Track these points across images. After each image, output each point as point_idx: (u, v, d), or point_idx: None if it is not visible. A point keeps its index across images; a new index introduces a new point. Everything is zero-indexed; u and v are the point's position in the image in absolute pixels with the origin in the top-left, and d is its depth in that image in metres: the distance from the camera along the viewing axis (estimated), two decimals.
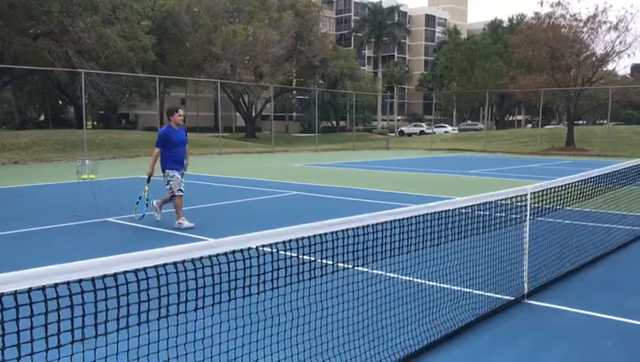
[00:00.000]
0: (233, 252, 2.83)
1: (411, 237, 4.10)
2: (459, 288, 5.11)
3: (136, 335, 2.60)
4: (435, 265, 4.75)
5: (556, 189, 6.03)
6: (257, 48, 42.71)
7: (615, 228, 8.39)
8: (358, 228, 3.58)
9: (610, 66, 35.49)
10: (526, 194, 5.35)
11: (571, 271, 6.20)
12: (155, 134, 33.17)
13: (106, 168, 16.64)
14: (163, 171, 8.74)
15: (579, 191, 6.72)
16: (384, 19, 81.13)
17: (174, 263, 2.58)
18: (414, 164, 23.21)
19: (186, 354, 2.89)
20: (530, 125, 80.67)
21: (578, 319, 4.88)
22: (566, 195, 6.30)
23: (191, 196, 12.50)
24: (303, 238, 3.20)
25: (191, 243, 2.63)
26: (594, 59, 33.59)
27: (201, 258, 2.70)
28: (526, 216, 5.35)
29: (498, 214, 5.04)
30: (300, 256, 3.23)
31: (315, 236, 3.28)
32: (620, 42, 32.07)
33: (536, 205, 5.58)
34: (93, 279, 2.29)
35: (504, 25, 70.68)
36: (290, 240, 3.11)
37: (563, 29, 32.90)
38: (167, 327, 2.71)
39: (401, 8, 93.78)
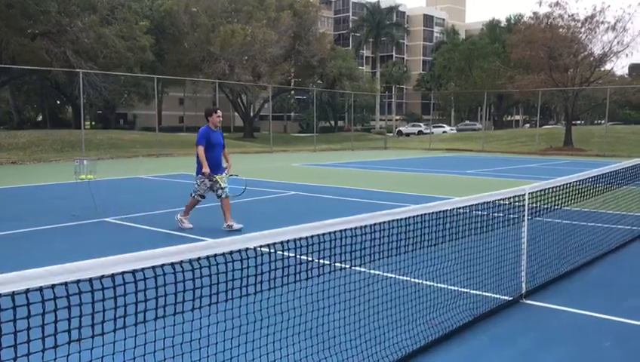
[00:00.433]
0: (231, 252, 2.83)
1: (409, 238, 4.10)
2: (456, 288, 5.11)
3: (133, 335, 2.60)
4: (432, 265, 4.74)
5: (554, 189, 6.03)
6: (255, 48, 42.68)
7: (614, 228, 8.40)
8: (355, 228, 3.57)
9: (607, 66, 35.58)
10: (524, 194, 5.35)
11: (570, 271, 6.20)
12: (153, 134, 33.08)
13: (104, 168, 16.62)
14: (197, 174, 8.52)
15: (577, 191, 6.73)
16: (382, 19, 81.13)
17: (172, 264, 2.58)
18: (413, 164, 23.22)
19: (182, 354, 2.89)
20: (528, 125, 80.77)
21: (576, 319, 4.88)
22: (564, 195, 6.30)
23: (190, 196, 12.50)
24: (300, 239, 3.19)
25: (189, 244, 2.63)
26: (592, 59, 33.63)
27: (199, 258, 2.69)
28: (524, 216, 5.35)
29: (496, 214, 5.04)
30: (298, 256, 3.23)
31: (312, 236, 3.28)
32: (618, 42, 32.17)
33: (535, 205, 5.58)
34: (90, 279, 2.29)
35: (502, 25, 70.74)
36: (288, 241, 3.10)
37: (561, 29, 32.94)
38: (164, 327, 2.70)
39: (399, 8, 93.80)
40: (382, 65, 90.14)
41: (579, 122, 62.60)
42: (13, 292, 2.04)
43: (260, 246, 2.97)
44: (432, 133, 48.99)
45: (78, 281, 2.23)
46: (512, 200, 5.21)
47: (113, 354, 2.59)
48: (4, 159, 22.55)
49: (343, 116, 77.30)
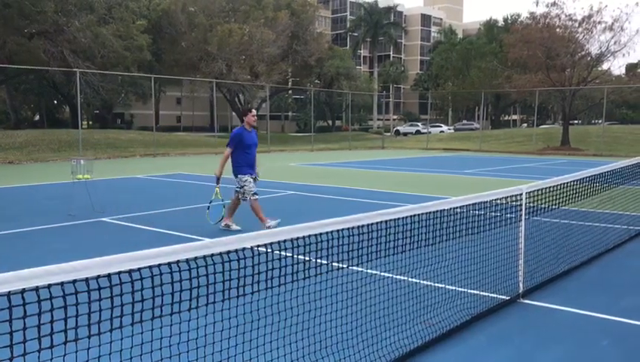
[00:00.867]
0: (228, 252, 2.82)
1: (406, 237, 4.10)
2: (454, 287, 5.12)
3: (129, 335, 2.59)
4: (430, 264, 4.74)
5: (552, 189, 6.04)
6: (253, 48, 42.66)
7: (611, 228, 8.41)
8: (352, 228, 3.57)
9: (605, 66, 35.70)
10: (521, 194, 5.36)
11: (567, 271, 6.21)
12: (150, 134, 33.05)
13: (101, 168, 16.59)
14: (236, 176, 8.43)
15: (574, 191, 6.73)
16: (380, 18, 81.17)
17: (168, 264, 2.57)
18: (411, 164, 23.23)
19: (179, 354, 2.88)
20: (525, 125, 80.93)
21: (574, 318, 4.88)
22: (561, 195, 6.31)
23: (187, 196, 12.49)
24: (297, 238, 3.19)
25: (186, 244, 2.62)
26: (589, 58, 33.70)
27: (196, 258, 2.69)
28: (521, 215, 5.36)
29: (493, 214, 5.05)
30: (295, 256, 3.23)
31: (309, 236, 3.28)
32: (615, 42, 32.22)
33: (532, 205, 5.59)
34: (87, 279, 2.28)
35: (499, 25, 70.82)
36: (284, 240, 3.10)
37: (558, 29, 32.98)
38: (161, 327, 2.70)
39: (396, 8, 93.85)
40: (379, 65, 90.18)
41: (576, 122, 62.66)
42: (9, 292, 2.03)
43: (257, 246, 2.97)
44: (430, 132, 49.01)
45: (74, 281, 2.22)
46: (509, 199, 5.21)
47: (110, 354, 2.58)
48: (0, 159, 22.51)
49: (341, 116, 77.31)
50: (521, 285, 5.33)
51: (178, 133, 44.36)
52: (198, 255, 2.68)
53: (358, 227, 3.62)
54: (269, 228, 8.07)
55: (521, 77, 36.33)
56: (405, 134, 61.11)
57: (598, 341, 4.38)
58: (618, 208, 9.11)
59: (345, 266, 3.61)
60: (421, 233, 4.24)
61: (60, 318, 2.26)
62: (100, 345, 2.47)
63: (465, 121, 73.71)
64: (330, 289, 3.77)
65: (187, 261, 2.66)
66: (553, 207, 6.08)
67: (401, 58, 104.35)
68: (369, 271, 4.34)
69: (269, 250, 3.07)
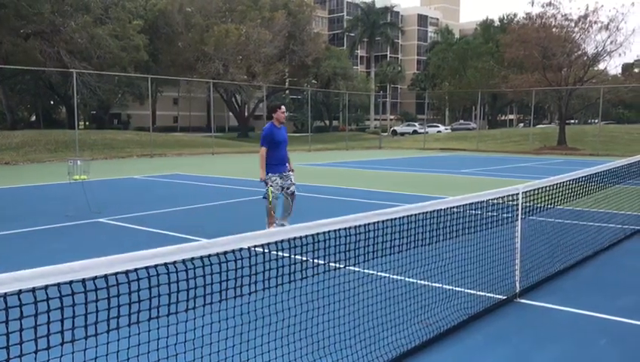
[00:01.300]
0: (225, 253, 2.82)
1: (403, 237, 4.10)
2: (451, 287, 5.12)
3: (126, 336, 2.59)
4: (426, 264, 4.75)
5: (548, 188, 6.05)
6: (250, 48, 42.70)
7: (606, 227, 8.43)
8: (349, 228, 3.57)
9: (601, 66, 35.70)
10: (518, 194, 5.37)
11: (563, 270, 6.22)
12: (147, 134, 33.00)
13: (97, 168, 16.57)
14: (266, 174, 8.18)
15: (570, 191, 6.75)
16: (377, 19, 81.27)
17: (165, 264, 2.57)
18: (407, 164, 23.25)
19: (177, 355, 2.88)
20: (522, 124, 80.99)
21: (570, 318, 4.89)
22: (558, 194, 6.32)
23: (184, 196, 12.47)
24: (294, 238, 3.19)
25: (183, 244, 2.62)
26: (585, 58, 33.77)
27: (193, 259, 2.69)
28: (518, 215, 5.37)
29: (490, 213, 5.05)
30: (292, 256, 3.23)
31: (306, 236, 3.28)
32: (611, 42, 32.29)
33: (528, 204, 5.60)
34: (84, 280, 2.28)
35: (496, 25, 70.93)
36: (282, 241, 3.10)
37: (554, 29, 33.05)
38: (158, 328, 2.69)
39: (393, 8, 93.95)
40: (376, 65, 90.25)
41: (572, 121, 62.88)
42: (6, 293, 2.03)
43: (255, 247, 2.97)
44: (427, 132, 49.05)
45: (71, 282, 2.22)
46: (505, 199, 5.22)
47: (107, 355, 2.58)
48: None
49: (338, 116, 77.36)
50: (517, 284, 5.34)
51: (175, 134, 44.30)
52: (196, 255, 2.68)
53: (355, 227, 3.62)
54: (281, 224, 8.03)
55: (517, 77, 36.41)
56: (402, 134, 61.12)
57: (595, 340, 4.39)
58: (612, 207, 9.14)
59: (342, 266, 3.61)
60: (418, 233, 4.25)
61: (57, 319, 2.26)
62: (96, 346, 2.47)
63: (462, 121, 73.77)
64: (328, 289, 3.77)
65: (184, 261, 2.66)
66: (549, 206, 6.09)
67: (398, 58, 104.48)
68: (366, 271, 4.35)
69: (266, 251, 3.07)
